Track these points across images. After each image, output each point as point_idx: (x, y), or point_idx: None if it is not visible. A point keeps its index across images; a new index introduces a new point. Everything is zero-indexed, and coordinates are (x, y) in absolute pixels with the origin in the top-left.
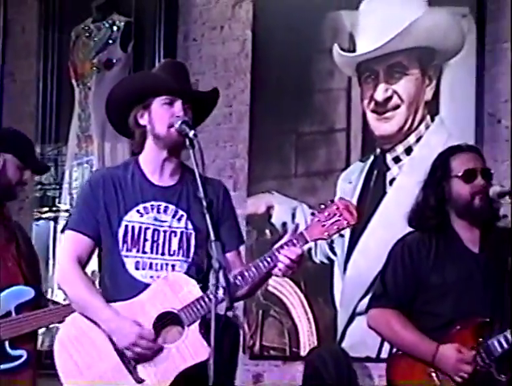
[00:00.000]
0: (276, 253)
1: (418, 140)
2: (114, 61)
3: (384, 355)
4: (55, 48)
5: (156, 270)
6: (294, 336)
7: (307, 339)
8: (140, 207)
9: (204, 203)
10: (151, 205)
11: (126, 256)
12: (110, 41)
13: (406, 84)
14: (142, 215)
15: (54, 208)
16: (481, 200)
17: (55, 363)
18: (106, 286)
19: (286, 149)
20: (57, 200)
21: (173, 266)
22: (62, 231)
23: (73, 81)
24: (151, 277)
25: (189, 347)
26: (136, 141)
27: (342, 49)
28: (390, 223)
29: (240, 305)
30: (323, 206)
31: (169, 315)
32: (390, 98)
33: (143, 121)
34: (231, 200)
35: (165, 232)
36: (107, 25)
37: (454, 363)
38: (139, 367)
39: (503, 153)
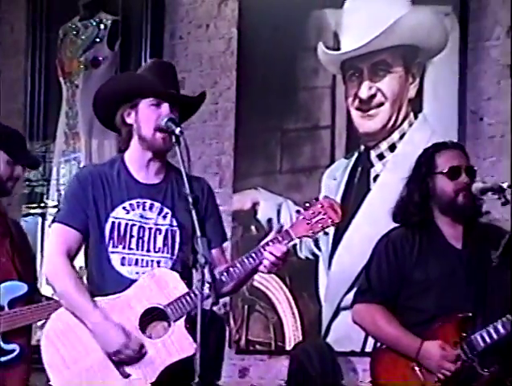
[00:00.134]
0: (261, 250)
1: (401, 137)
2: (101, 59)
3: (368, 349)
4: (43, 47)
5: (142, 266)
6: (279, 331)
7: (293, 334)
8: (126, 204)
9: (190, 200)
10: (137, 202)
11: (112, 252)
12: (97, 39)
13: (389, 81)
14: (128, 212)
15: (42, 204)
16: (465, 197)
17: (42, 357)
18: (93, 281)
19: (272, 146)
20: (45, 196)
21: (158, 262)
22: (50, 225)
23: (61, 79)
24: (137, 273)
25: (175, 343)
26: (122, 138)
27: (327, 47)
28: (374, 219)
29: (226, 300)
30: (308, 204)
31: (155, 311)
32: (374, 96)
33: (130, 120)
34: (215, 198)
35: (150, 229)
36: (94, 23)
37: (437, 360)
38: None
39: (485, 150)
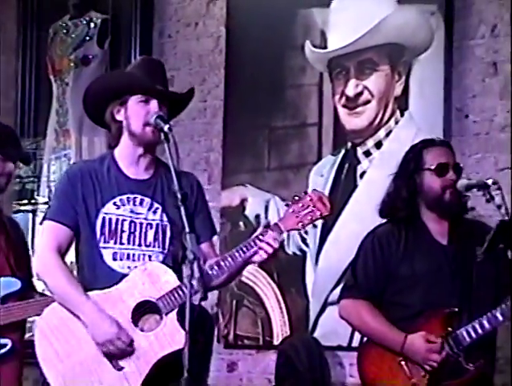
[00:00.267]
0: (252, 243)
1: (388, 134)
2: (91, 57)
3: (355, 343)
4: (34, 45)
5: (133, 261)
6: (267, 326)
7: (280, 329)
8: (117, 200)
9: (179, 196)
10: (127, 197)
11: (104, 248)
12: (87, 38)
13: (376, 79)
14: (118, 208)
15: (32, 201)
16: (452, 194)
17: (36, 351)
18: (85, 277)
19: (260, 144)
20: (35, 193)
21: (149, 257)
22: (41, 223)
23: (51, 77)
24: (129, 267)
25: (167, 335)
26: (112, 134)
27: (314, 46)
28: (360, 215)
29: (214, 294)
30: (297, 197)
31: (147, 304)
32: (360, 93)
33: (119, 117)
34: (204, 193)
35: (141, 223)
36: (84, 22)
37: (423, 352)
38: None
39: (470, 147)
